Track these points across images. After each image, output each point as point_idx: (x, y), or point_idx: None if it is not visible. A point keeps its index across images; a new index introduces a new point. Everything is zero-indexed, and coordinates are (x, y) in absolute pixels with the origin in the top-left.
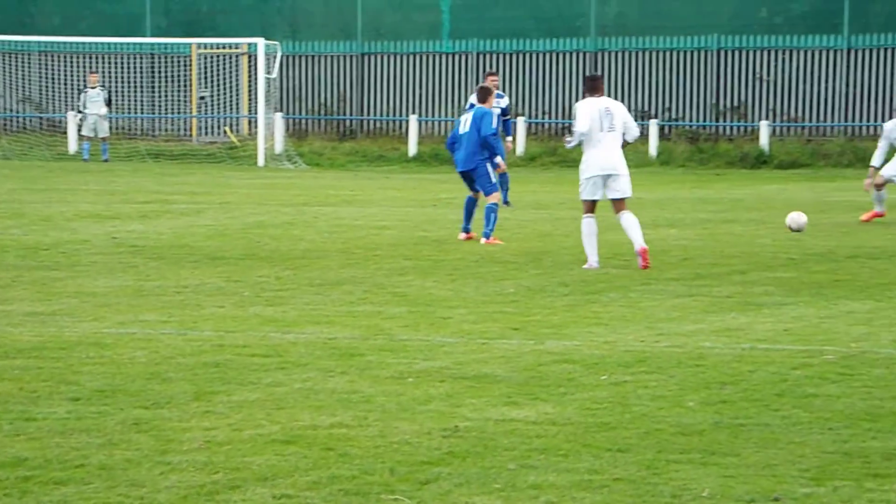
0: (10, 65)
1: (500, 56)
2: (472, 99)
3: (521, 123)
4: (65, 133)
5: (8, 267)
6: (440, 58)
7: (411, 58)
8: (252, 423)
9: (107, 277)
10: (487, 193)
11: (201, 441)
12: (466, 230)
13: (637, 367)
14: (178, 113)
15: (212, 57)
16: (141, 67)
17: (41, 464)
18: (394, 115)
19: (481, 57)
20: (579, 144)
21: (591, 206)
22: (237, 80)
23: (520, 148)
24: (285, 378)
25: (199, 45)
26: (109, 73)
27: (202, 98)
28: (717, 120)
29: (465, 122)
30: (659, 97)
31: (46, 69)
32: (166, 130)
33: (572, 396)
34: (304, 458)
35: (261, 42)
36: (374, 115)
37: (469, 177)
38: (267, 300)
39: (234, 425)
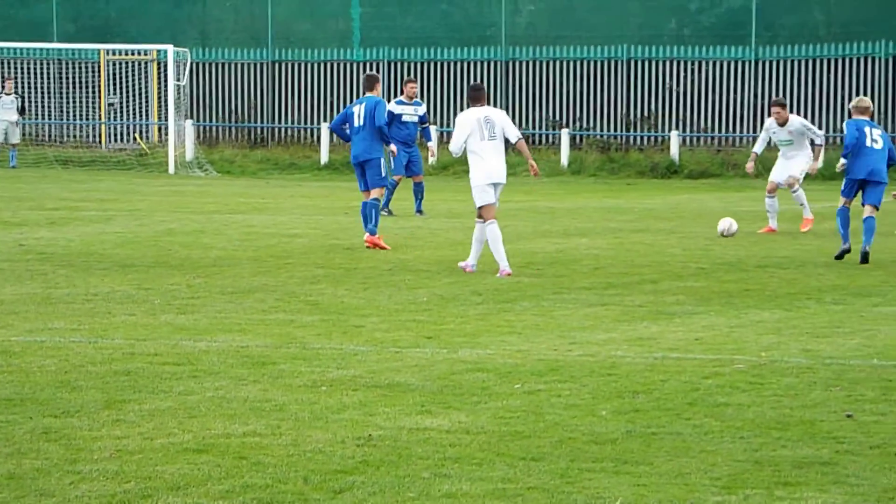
0: None
1: (411, 64)
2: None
3: (432, 132)
4: None
5: None
6: (351, 66)
7: (322, 66)
8: (164, 432)
9: (14, 285)
10: (372, 187)
11: (112, 450)
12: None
13: (550, 376)
14: (87, 119)
15: (121, 63)
16: (49, 73)
17: None
18: (305, 122)
19: (392, 65)
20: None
21: (490, 210)
22: (147, 86)
23: (432, 158)
24: (197, 386)
25: (107, 52)
26: (17, 78)
27: (111, 104)
28: (627, 130)
29: (358, 115)
30: (570, 107)
31: None
32: (75, 137)
33: (486, 405)
34: (216, 467)
35: (170, 49)
36: (286, 122)
37: (363, 168)
38: (178, 308)
39: (145, 434)
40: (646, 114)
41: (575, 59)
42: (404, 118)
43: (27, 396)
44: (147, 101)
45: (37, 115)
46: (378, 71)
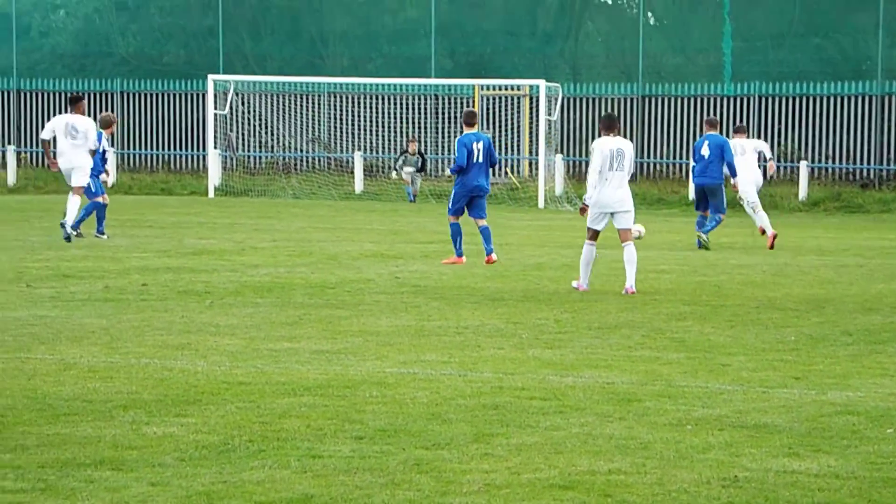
0: (301, 106)
1: (782, 99)
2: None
3: (803, 168)
4: (352, 172)
5: (296, 305)
6: (721, 100)
7: (692, 100)
8: (530, 467)
9: (390, 316)
10: (483, 216)
11: (480, 483)
12: (461, 253)
13: None
14: None
15: (494, 98)
16: (425, 108)
17: (327, 501)
18: (674, 157)
19: (763, 100)
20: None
21: (595, 234)
22: (518, 121)
23: (802, 192)
24: (563, 422)
25: (482, 87)
26: (395, 113)
27: None
28: None
29: (478, 151)
30: None
31: (335, 110)
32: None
33: (856, 449)
34: None
35: (542, 84)
36: (654, 157)
37: (477, 199)
38: (545, 343)
39: (512, 468)
40: None
41: None
42: None
43: (400, 427)
44: (519, 136)
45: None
46: (748, 105)
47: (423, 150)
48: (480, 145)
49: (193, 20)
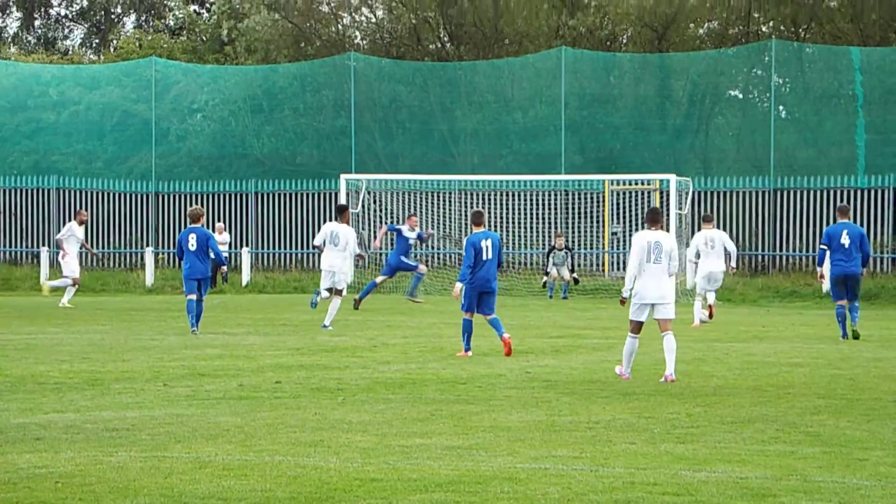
0: (432, 203)
1: None
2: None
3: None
4: None
5: (427, 401)
6: (855, 193)
7: (824, 193)
8: None
9: (520, 412)
10: (493, 311)
11: None
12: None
13: None
14: (591, 248)
15: (624, 193)
16: (555, 204)
17: None
18: (806, 250)
19: None
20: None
21: (638, 326)
22: None
23: None
24: None
25: (612, 182)
26: (526, 209)
27: (614, 234)
28: None
29: (486, 248)
30: None
31: (465, 207)
32: (579, 266)
33: None
34: None
35: (672, 178)
36: (787, 250)
37: (488, 295)
38: (678, 437)
39: None
40: None
41: None
42: None
43: None
44: None
45: (543, 245)
46: (882, 198)
47: (569, 245)
48: (489, 243)
49: (326, 121)
